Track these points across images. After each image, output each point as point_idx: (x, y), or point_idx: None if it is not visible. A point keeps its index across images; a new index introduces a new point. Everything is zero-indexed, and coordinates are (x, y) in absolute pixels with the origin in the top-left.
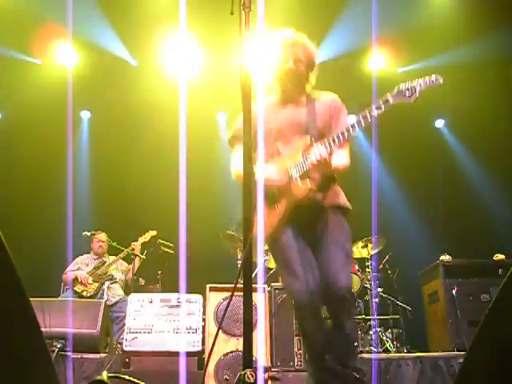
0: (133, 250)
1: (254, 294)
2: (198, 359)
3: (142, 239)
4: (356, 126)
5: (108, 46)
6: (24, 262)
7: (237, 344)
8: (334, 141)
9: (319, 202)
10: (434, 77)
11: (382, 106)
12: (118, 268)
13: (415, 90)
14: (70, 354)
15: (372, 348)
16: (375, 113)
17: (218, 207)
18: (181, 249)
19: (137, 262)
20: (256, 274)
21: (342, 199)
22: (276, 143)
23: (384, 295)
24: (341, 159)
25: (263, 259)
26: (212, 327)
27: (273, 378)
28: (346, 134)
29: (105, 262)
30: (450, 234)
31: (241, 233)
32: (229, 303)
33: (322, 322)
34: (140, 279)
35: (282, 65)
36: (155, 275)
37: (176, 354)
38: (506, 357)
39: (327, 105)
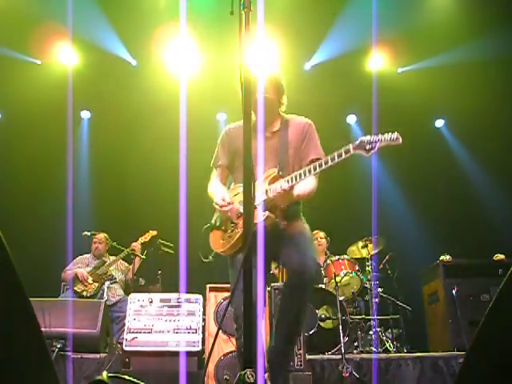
0: (133, 250)
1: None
2: (198, 359)
3: (142, 239)
4: (317, 167)
5: (108, 46)
6: (24, 262)
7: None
8: (297, 176)
9: (281, 229)
10: (395, 135)
11: (343, 155)
12: (118, 268)
13: (375, 145)
14: (70, 353)
15: (372, 348)
16: (335, 161)
17: None
18: (181, 249)
19: (137, 262)
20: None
21: (306, 230)
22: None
23: (384, 295)
24: (305, 186)
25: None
26: (212, 327)
27: None
28: (308, 172)
29: (105, 261)
30: (450, 234)
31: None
32: (229, 303)
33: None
34: (140, 279)
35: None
36: (155, 275)
37: (176, 353)
38: (506, 357)
39: (299, 130)
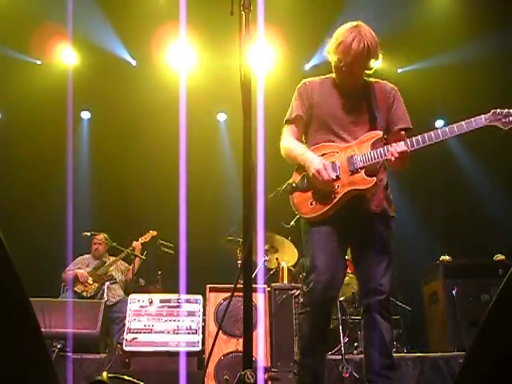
0: (133, 250)
1: (253, 294)
2: (198, 359)
3: (142, 239)
4: (450, 133)
5: (108, 46)
6: (24, 262)
7: (237, 344)
8: (417, 143)
9: (374, 213)
10: None
11: (474, 125)
12: (118, 268)
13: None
14: (70, 354)
15: None
16: (464, 131)
17: (218, 207)
18: (181, 249)
19: (137, 262)
20: (256, 274)
21: (393, 211)
22: (334, 128)
23: None
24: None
25: (263, 259)
26: (212, 327)
27: (273, 378)
28: (428, 140)
29: (105, 262)
30: (450, 234)
31: (240, 233)
32: (229, 303)
33: (328, 320)
34: (140, 279)
35: (340, 64)
36: (155, 275)
37: (176, 354)
38: (506, 357)
39: (386, 95)
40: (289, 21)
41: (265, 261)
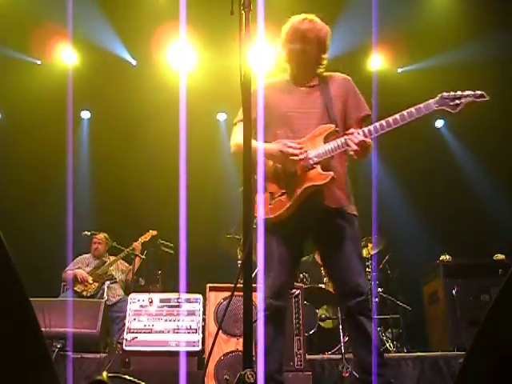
0: (133, 249)
1: (253, 293)
2: (198, 359)
3: (142, 239)
4: (405, 118)
5: (108, 46)
6: (24, 262)
7: (237, 344)
8: (375, 130)
9: (337, 200)
10: (480, 92)
11: (423, 110)
12: (118, 268)
13: (462, 100)
14: (70, 353)
15: None
16: (413, 116)
17: (219, 207)
18: (181, 248)
19: (137, 261)
20: (256, 274)
21: (354, 209)
22: (285, 124)
23: (384, 295)
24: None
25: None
26: (212, 327)
27: None
28: (381, 129)
29: (105, 261)
30: (450, 234)
31: (240, 232)
32: (229, 303)
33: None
34: (140, 279)
35: (293, 47)
36: (155, 275)
37: (176, 353)
38: (506, 357)
39: (341, 86)
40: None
41: None
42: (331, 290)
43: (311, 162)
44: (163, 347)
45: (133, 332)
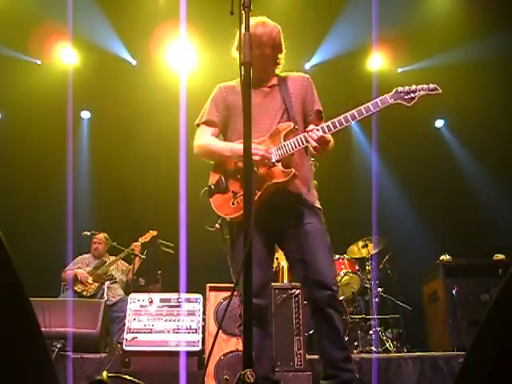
0: (133, 250)
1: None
2: (198, 359)
3: (142, 239)
4: (362, 114)
5: (108, 46)
6: (24, 262)
7: (237, 344)
8: (331, 127)
9: (300, 195)
10: (433, 85)
11: (380, 104)
12: (118, 268)
13: (416, 94)
14: (70, 353)
15: (372, 348)
16: (371, 111)
17: None
18: (181, 248)
19: (137, 262)
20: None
21: (318, 202)
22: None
23: (384, 295)
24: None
25: None
26: (212, 327)
27: None
28: (351, 119)
29: (105, 261)
30: (450, 234)
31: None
32: (229, 303)
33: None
34: (140, 279)
35: (254, 40)
36: (155, 275)
37: (176, 353)
38: (506, 357)
39: (300, 84)
40: (289, 20)
41: None
42: None
43: (273, 159)
44: (163, 347)
45: (133, 332)
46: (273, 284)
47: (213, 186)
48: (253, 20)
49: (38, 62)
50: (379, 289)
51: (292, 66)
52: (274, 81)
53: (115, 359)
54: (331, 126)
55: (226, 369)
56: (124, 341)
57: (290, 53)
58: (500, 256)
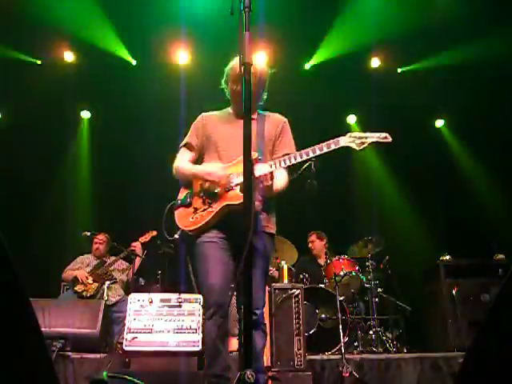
0: (133, 250)
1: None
2: (198, 359)
3: (142, 239)
4: (310, 153)
5: (108, 46)
6: (24, 263)
7: (237, 344)
8: (280, 163)
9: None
10: (384, 134)
11: (332, 146)
12: (119, 268)
13: (366, 139)
14: (70, 353)
15: (372, 348)
16: (323, 151)
17: None
18: (181, 249)
19: (137, 262)
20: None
21: (273, 228)
22: (221, 152)
23: (384, 295)
24: (282, 178)
25: None
26: None
27: (273, 378)
28: (290, 161)
29: (105, 261)
30: (449, 234)
31: None
32: (228, 303)
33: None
34: (140, 279)
35: (234, 87)
36: (155, 275)
37: (176, 353)
38: (506, 357)
39: (275, 125)
40: (289, 20)
41: None
42: (331, 290)
43: (231, 183)
44: (163, 347)
45: (133, 332)
46: (273, 284)
47: (179, 201)
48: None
49: (38, 62)
50: (379, 289)
51: (292, 66)
52: (254, 116)
53: (115, 359)
54: (282, 162)
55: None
56: (124, 341)
57: (290, 53)
58: (500, 256)
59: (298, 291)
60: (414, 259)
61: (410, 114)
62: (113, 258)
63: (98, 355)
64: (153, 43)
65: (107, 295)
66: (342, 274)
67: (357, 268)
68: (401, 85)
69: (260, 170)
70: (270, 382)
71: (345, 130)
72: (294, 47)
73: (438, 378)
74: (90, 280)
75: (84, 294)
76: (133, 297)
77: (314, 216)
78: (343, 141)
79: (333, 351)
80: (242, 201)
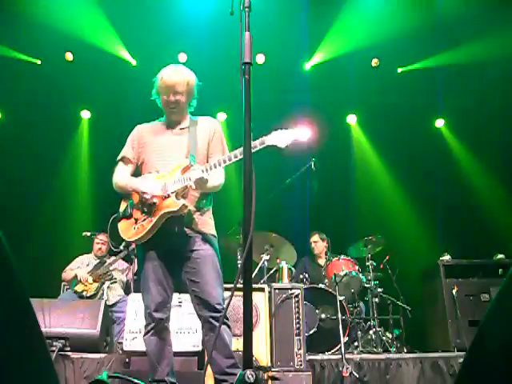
0: (133, 250)
1: (253, 293)
2: (198, 359)
3: None
4: (234, 157)
5: (108, 46)
6: (24, 262)
7: (237, 344)
8: (211, 167)
9: (193, 223)
10: (305, 129)
11: (258, 145)
12: (118, 268)
13: (289, 138)
14: (70, 353)
15: (372, 348)
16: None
17: (218, 207)
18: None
19: (137, 262)
20: (256, 274)
21: (212, 229)
22: (157, 162)
23: (384, 295)
24: (216, 178)
25: (264, 259)
26: None
27: (273, 378)
28: (223, 163)
29: (105, 261)
30: (450, 234)
31: (239, 233)
32: (229, 303)
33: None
34: None
35: (166, 98)
36: None
37: (176, 353)
38: (506, 357)
39: (207, 129)
40: (289, 20)
41: (265, 261)
42: (331, 290)
43: (167, 191)
44: None
45: (133, 332)
46: (273, 284)
47: (121, 213)
48: (169, 68)
49: (39, 62)
50: (379, 289)
51: (292, 66)
52: (186, 123)
53: (115, 359)
54: (213, 165)
55: None
56: (124, 341)
57: (290, 53)
58: (500, 256)
59: (298, 291)
60: (414, 259)
61: (410, 114)
62: (113, 258)
63: (97, 355)
64: (153, 43)
65: (107, 295)
66: (341, 274)
67: (357, 268)
68: (401, 85)
69: (193, 175)
70: (270, 381)
71: (345, 130)
72: (293, 47)
73: (438, 378)
74: (90, 280)
75: (84, 293)
76: (133, 297)
77: (314, 216)
78: (268, 140)
79: (333, 351)
80: (178, 207)
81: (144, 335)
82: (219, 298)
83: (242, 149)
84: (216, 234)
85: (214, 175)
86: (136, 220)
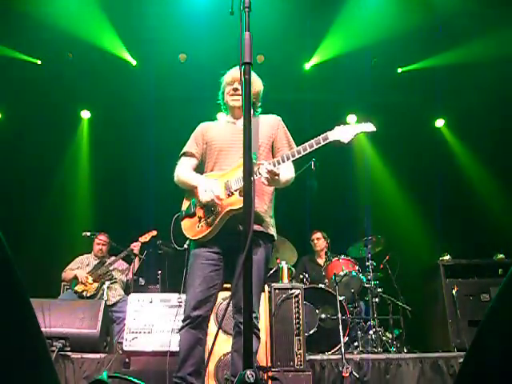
0: (133, 250)
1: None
2: None
3: (142, 239)
4: (302, 151)
5: (108, 46)
6: (24, 262)
7: None
8: (279, 161)
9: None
10: (369, 124)
11: (321, 142)
12: (118, 268)
13: (353, 132)
14: (70, 354)
15: (372, 348)
16: (314, 147)
17: None
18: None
19: (137, 262)
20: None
21: (271, 229)
22: (220, 159)
23: (384, 295)
24: (288, 172)
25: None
26: (212, 327)
27: (273, 378)
28: (291, 156)
29: (105, 262)
30: (450, 234)
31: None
32: (229, 303)
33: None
34: (140, 279)
35: (231, 87)
36: (155, 275)
37: (176, 353)
38: (506, 357)
39: (270, 125)
40: (289, 20)
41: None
42: (331, 290)
43: (231, 189)
44: (163, 347)
45: (133, 332)
46: (273, 284)
47: (184, 212)
48: (234, 68)
49: (39, 62)
50: (379, 289)
51: (292, 66)
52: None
53: (115, 359)
54: (280, 160)
55: (226, 368)
56: (124, 341)
57: (290, 53)
58: (500, 256)
59: (298, 291)
60: (414, 259)
61: (410, 114)
62: (113, 258)
63: (97, 355)
64: (153, 43)
65: (107, 295)
66: (341, 274)
67: (357, 268)
68: (401, 85)
69: (263, 170)
70: (270, 382)
71: None
72: (293, 47)
73: (438, 378)
74: (90, 280)
75: (84, 293)
76: (133, 297)
77: (314, 216)
78: (332, 135)
79: (333, 351)
80: (242, 205)
81: (179, 330)
82: (256, 306)
83: (309, 142)
84: (274, 233)
85: (285, 169)
86: (199, 218)
